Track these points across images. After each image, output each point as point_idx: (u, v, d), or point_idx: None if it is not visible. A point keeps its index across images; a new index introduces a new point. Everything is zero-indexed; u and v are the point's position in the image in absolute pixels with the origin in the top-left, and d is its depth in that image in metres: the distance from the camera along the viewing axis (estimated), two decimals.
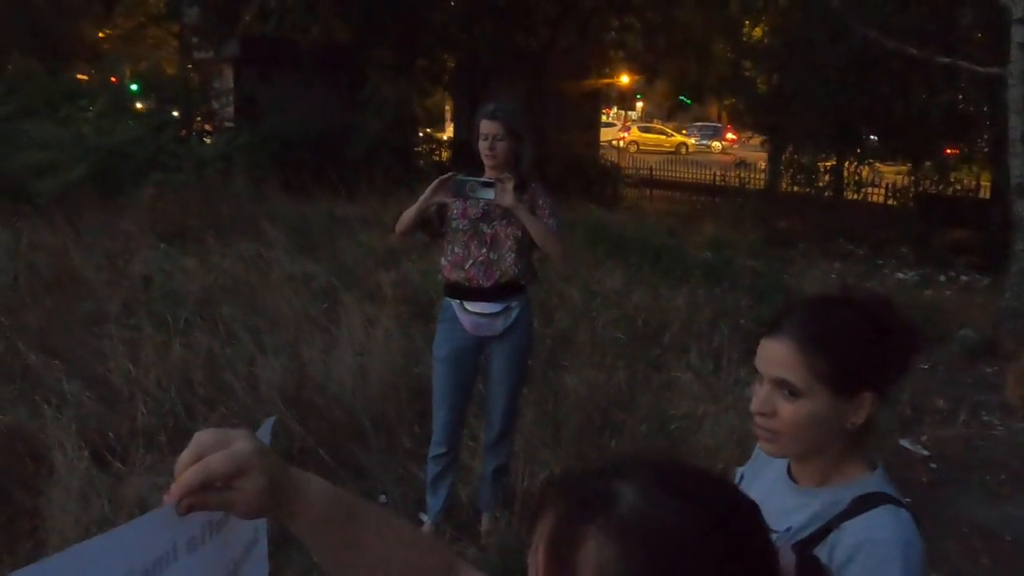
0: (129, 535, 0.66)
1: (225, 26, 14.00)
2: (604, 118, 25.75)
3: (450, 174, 2.89)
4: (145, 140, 9.33)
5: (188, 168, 9.21)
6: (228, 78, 15.38)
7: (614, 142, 26.53)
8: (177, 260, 6.18)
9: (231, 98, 14.54)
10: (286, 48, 12.74)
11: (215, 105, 14.59)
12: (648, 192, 17.43)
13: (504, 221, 2.97)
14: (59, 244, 5.88)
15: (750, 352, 1.21)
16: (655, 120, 34.96)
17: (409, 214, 2.93)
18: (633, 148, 27.92)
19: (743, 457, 1.38)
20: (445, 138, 18.83)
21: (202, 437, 0.70)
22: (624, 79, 23.53)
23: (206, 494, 0.69)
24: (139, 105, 13.33)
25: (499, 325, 2.99)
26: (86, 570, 0.62)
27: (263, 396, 3.91)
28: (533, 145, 3.07)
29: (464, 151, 15.77)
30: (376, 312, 4.87)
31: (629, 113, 37.77)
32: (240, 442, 0.70)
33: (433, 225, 3.00)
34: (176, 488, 0.68)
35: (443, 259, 3.03)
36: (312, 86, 13.14)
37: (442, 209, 2.98)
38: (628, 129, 33.00)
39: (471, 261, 2.96)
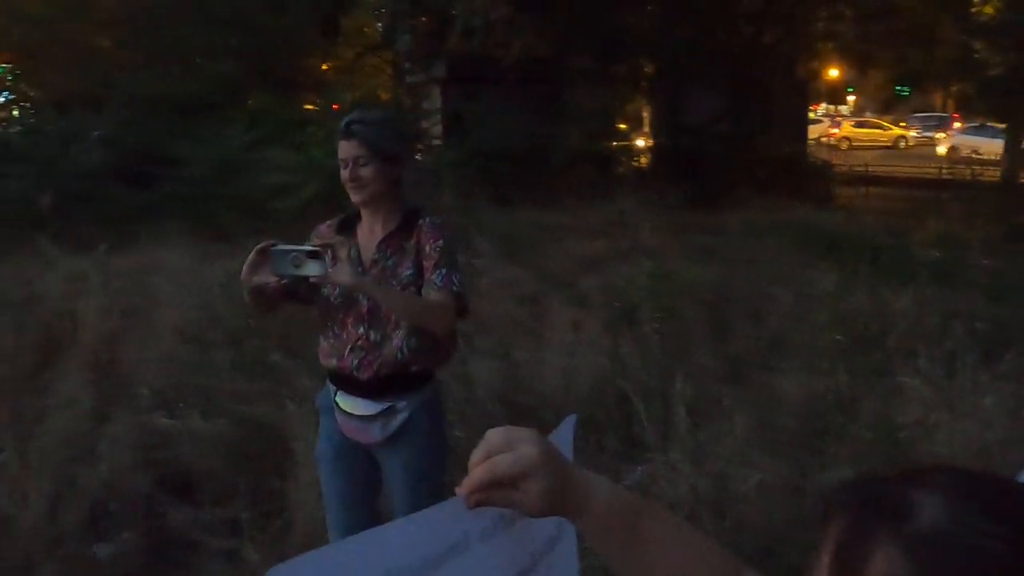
0: (424, 523, 0.71)
1: (433, 49, 14.80)
2: (811, 114, 24.44)
3: (267, 243, 2.08)
4: None
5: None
6: (436, 98, 16.26)
7: (822, 139, 25.09)
8: None
9: (439, 117, 15.36)
10: (489, 65, 13.26)
11: (424, 124, 15.47)
12: (863, 190, 16.33)
13: (386, 282, 2.18)
14: None
15: (988, 356, 1.10)
16: (868, 113, 32.69)
17: (247, 299, 2.15)
18: (845, 144, 26.26)
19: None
20: (644, 144, 18.71)
21: (492, 437, 0.72)
22: (834, 72, 22.22)
23: (493, 492, 0.71)
24: None
25: (375, 432, 2.21)
26: (385, 552, 0.68)
27: (476, 395, 4.09)
28: (413, 164, 2.54)
29: (662, 157, 15.64)
30: (582, 316, 4.94)
31: (839, 108, 35.60)
32: (527, 445, 0.71)
33: (302, 296, 2.22)
34: (466, 483, 0.71)
35: (321, 339, 2.26)
36: (514, 100, 13.58)
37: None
38: (839, 124, 31.09)
39: (349, 345, 2.19)
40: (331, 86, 16.85)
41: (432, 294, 2.14)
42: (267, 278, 2.06)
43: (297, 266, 2.03)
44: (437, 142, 14.84)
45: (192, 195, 9.31)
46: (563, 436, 0.85)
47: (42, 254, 6.24)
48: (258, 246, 2.07)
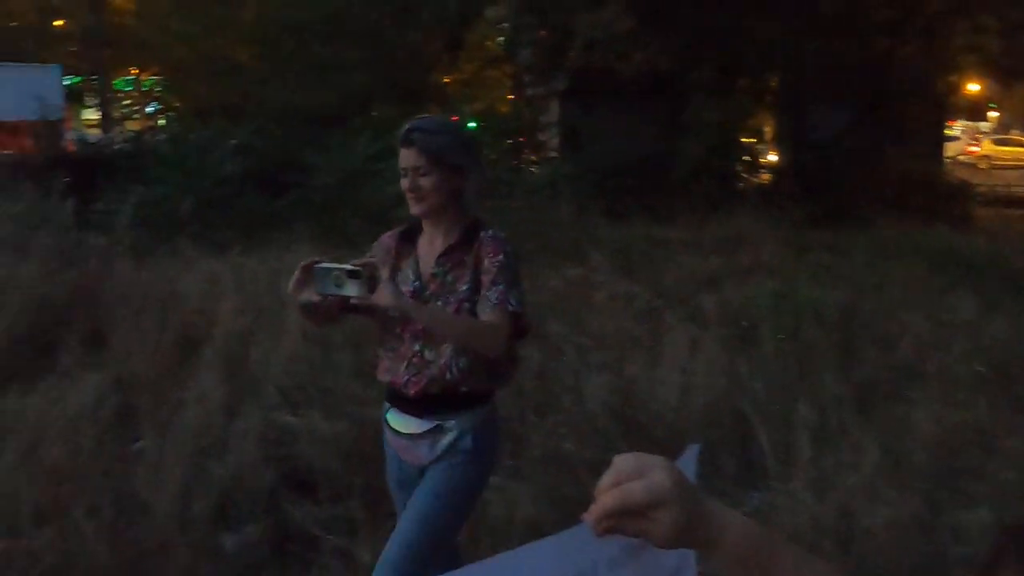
0: (552, 549, 0.70)
1: (553, 63, 14.90)
2: (948, 131, 23.14)
3: (311, 260, 2.05)
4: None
5: (519, 196, 9.90)
6: (554, 111, 16.35)
7: (960, 157, 23.70)
8: None
9: (556, 129, 15.44)
10: (608, 78, 13.23)
11: (542, 137, 15.57)
12: (1007, 212, 15.31)
13: (444, 300, 2.12)
14: None
15: None
16: (1013, 131, 30.62)
17: (298, 314, 2.19)
18: (984, 164, 24.72)
19: None
20: (768, 160, 18.18)
21: (622, 463, 0.71)
22: (974, 87, 20.95)
23: (622, 520, 0.69)
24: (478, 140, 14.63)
25: (423, 452, 2.14)
26: None
27: (589, 409, 4.06)
28: (481, 173, 2.22)
29: (786, 173, 15.14)
30: (699, 334, 4.83)
31: (979, 125, 33.53)
32: (659, 473, 0.70)
33: (361, 310, 2.15)
34: (595, 510, 0.70)
35: (380, 353, 2.24)
36: (633, 113, 13.50)
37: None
38: (978, 142, 29.28)
39: (404, 361, 2.14)
40: (452, 99, 17.22)
41: (485, 312, 2.06)
42: (312, 296, 2.03)
43: (339, 285, 1.99)
44: (554, 154, 14.92)
45: (320, 202, 9.70)
46: (687, 464, 0.83)
47: (182, 255, 6.64)
48: (302, 263, 2.04)
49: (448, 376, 2.09)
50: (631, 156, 12.84)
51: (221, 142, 11.06)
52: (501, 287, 2.06)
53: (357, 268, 1.99)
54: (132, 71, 23.87)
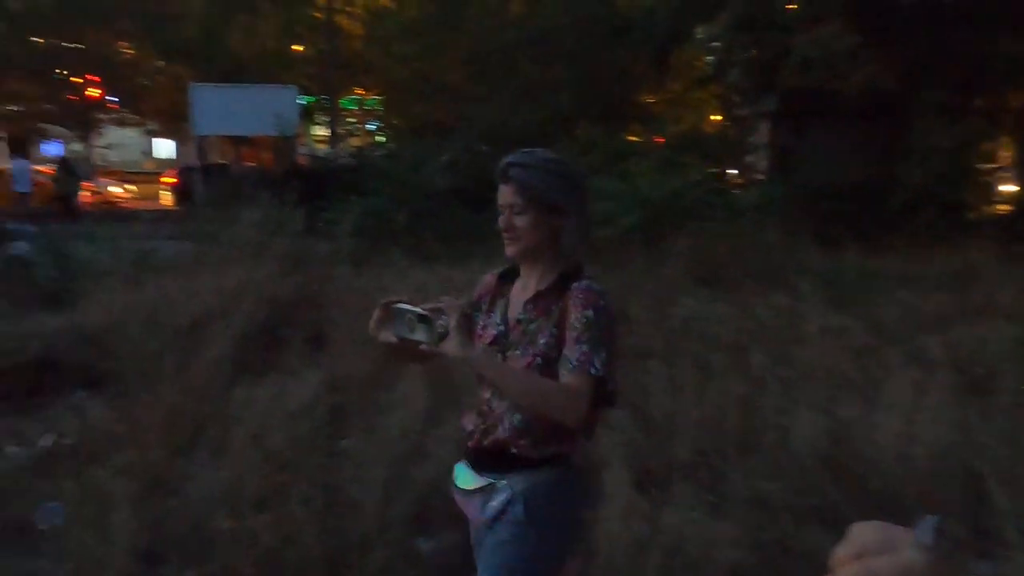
0: None
1: (765, 82, 14.38)
2: None
3: (389, 299, 1.92)
4: (685, 192, 10.01)
5: (723, 219, 9.60)
6: (763, 132, 15.76)
7: None
8: (711, 305, 6.44)
9: (765, 151, 14.87)
10: (824, 98, 12.56)
11: (749, 159, 15.06)
12: None
13: (522, 351, 1.92)
14: (611, 285, 6.60)
15: None
16: None
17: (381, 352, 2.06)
18: None
19: None
20: (1007, 189, 16.46)
21: (864, 534, 0.64)
22: None
23: None
24: (682, 161, 14.39)
25: (475, 509, 1.98)
26: None
27: (795, 450, 3.81)
28: (584, 214, 1.97)
29: None
30: (923, 378, 4.41)
31: None
32: (911, 551, 0.62)
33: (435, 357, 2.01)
34: None
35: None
36: (849, 135, 12.74)
37: (468, 322, 2.01)
38: None
39: (476, 409, 2.02)
40: (657, 118, 17.08)
41: (564, 375, 1.83)
42: (390, 336, 1.89)
43: (411, 329, 1.86)
44: (760, 177, 14.37)
45: None
46: (922, 537, 0.72)
47: (395, 264, 7.03)
48: (382, 301, 1.92)
49: (500, 431, 1.92)
50: (845, 181, 12.11)
51: (433, 158, 11.64)
52: (585, 347, 1.82)
53: (426, 313, 1.84)
54: (357, 91, 25.78)
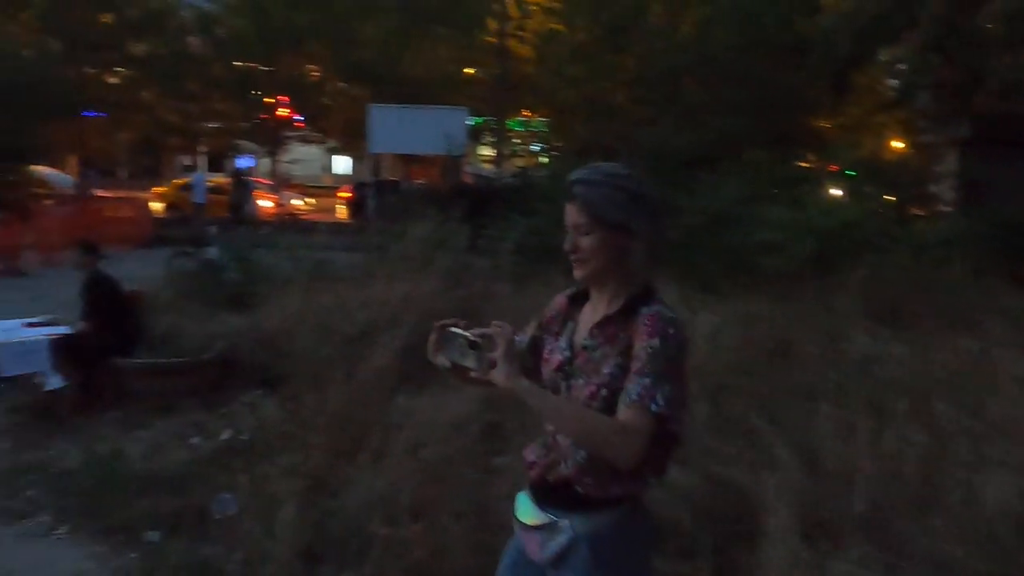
0: None
1: (957, 107, 13.39)
2: None
3: (443, 322, 1.85)
4: (862, 222, 9.44)
5: (903, 252, 8.97)
6: (951, 160, 14.66)
7: None
8: (889, 345, 6.01)
9: (953, 181, 13.81)
10: (1022, 126, 11.54)
11: (934, 189, 14.04)
12: None
13: (584, 378, 1.80)
14: (779, 318, 6.29)
15: None
16: None
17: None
18: None
19: None
20: None
21: None
22: None
23: None
24: (857, 189, 13.63)
25: (535, 545, 1.86)
26: None
27: (982, 511, 3.46)
28: (655, 233, 1.82)
29: None
30: None
31: None
32: None
33: (529, 372, 1.87)
34: None
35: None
36: None
37: (536, 344, 1.97)
38: None
39: (542, 439, 1.90)
40: (831, 144, 16.27)
41: (622, 409, 1.70)
42: (444, 360, 1.84)
43: (462, 354, 1.80)
44: (947, 209, 13.34)
45: (683, 243, 9.69)
46: None
47: (553, 284, 7.03)
48: (437, 323, 1.86)
49: (563, 468, 1.81)
50: None
51: None
52: (648, 380, 1.69)
53: (476, 339, 1.78)
54: (524, 113, 26.31)
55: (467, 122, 21.49)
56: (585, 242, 1.81)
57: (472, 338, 1.78)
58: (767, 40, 16.39)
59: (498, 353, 1.74)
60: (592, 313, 1.89)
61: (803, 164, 16.12)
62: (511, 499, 3.55)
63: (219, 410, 5.68)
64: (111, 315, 6.20)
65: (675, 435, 1.76)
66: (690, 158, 13.01)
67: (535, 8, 24.50)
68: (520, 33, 24.97)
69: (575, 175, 1.86)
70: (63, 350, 6.01)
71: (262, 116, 28.52)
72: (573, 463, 1.79)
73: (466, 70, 26.91)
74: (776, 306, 6.69)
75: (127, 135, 32.34)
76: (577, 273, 1.86)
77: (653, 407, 1.68)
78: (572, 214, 1.83)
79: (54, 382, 5.96)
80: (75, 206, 18.36)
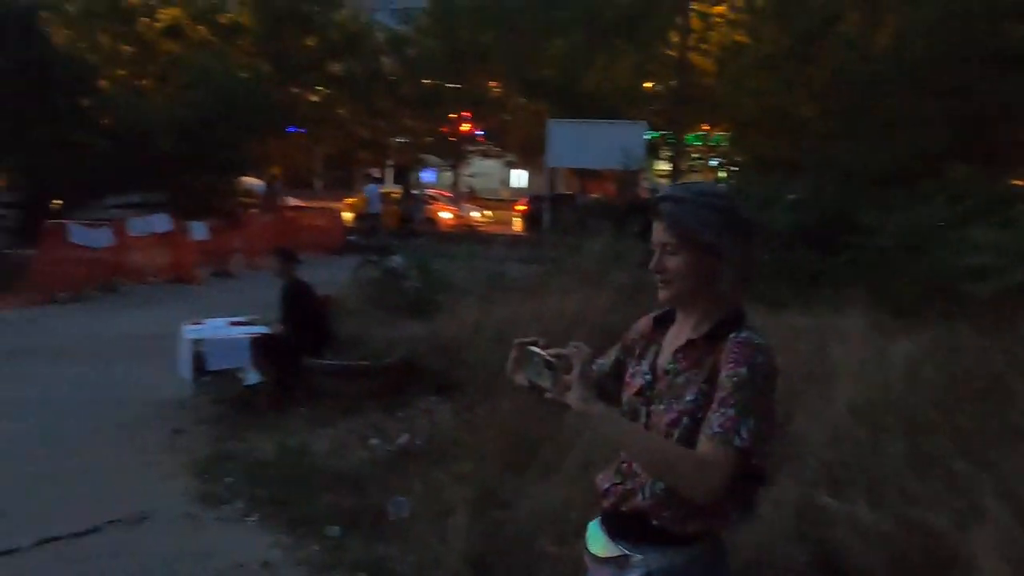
0: None
1: None
2: None
3: (523, 340, 1.78)
4: None
5: None
6: None
7: None
8: None
9: None
10: None
11: None
12: None
13: (665, 403, 1.68)
14: (988, 350, 5.70)
15: None
16: None
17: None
18: None
19: None
20: None
21: None
22: None
23: None
24: None
25: None
26: None
27: None
28: (745, 255, 1.69)
29: None
30: None
31: None
32: None
33: (610, 395, 1.81)
34: None
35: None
36: None
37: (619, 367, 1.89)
38: None
39: (615, 466, 1.79)
40: None
41: (702, 441, 1.59)
42: (522, 379, 1.79)
43: (538, 374, 1.75)
44: None
45: (875, 265, 9.06)
46: None
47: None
48: (516, 341, 1.81)
49: (639, 498, 1.71)
50: None
51: (778, 196, 11.10)
52: (732, 411, 1.58)
53: (552, 360, 1.72)
54: (703, 127, 25.72)
55: (645, 136, 21.28)
56: (671, 262, 1.74)
57: (548, 358, 1.74)
58: (974, 48, 15.07)
59: (572, 375, 1.69)
60: (677, 336, 1.81)
61: (1016, 182, 14.68)
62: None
63: (397, 413, 5.91)
64: (305, 318, 6.63)
65: (761, 471, 1.65)
66: (881, 175, 12.19)
67: (719, 20, 23.92)
68: (703, 46, 24.45)
69: (663, 192, 1.82)
70: (262, 348, 6.50)
71: (444, 130, 29.67)
72: (650, 494, 1.71)
73: (645, 84, 26.67)
74: (984, 337, 6.06)
75: (323, 149, 34.71)
76: (662, 295, 1.79)
77: (737, 441, 1.58)
78: (658, 233, 1.77)
79: (252, 377, 6.45)
80: (276, 214, 19.92)
